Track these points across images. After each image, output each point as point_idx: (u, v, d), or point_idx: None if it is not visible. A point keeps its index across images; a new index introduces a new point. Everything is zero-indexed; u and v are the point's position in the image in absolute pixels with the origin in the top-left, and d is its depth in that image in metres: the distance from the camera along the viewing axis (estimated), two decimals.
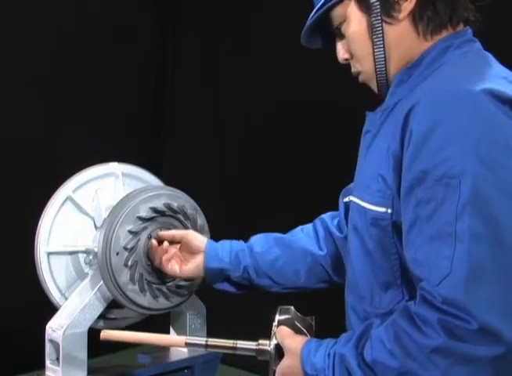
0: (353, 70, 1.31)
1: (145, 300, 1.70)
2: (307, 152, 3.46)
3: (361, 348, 1.06)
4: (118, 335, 1.46)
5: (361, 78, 1.31)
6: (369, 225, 1.17)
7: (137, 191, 1.75)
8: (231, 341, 1.30)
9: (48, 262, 1.74)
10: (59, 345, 1.63)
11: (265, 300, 1.56)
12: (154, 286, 1.71)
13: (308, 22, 1.32)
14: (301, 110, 3.47)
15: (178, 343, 1.46)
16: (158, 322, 1.86)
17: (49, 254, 1.74)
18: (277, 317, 1.27)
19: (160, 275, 1.71)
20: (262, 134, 3.71)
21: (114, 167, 1.85)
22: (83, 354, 1.67)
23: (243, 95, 3.84)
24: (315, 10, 1.30)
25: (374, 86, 1.29)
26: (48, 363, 1.66)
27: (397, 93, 1.22)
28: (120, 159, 1.88)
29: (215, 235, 1.87)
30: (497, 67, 1.16)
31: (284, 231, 1.70)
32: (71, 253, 1.77)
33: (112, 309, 1.79)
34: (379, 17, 1.20)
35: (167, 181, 1.96)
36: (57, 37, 3.68)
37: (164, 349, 1.89)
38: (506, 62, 1.22)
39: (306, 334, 1.25)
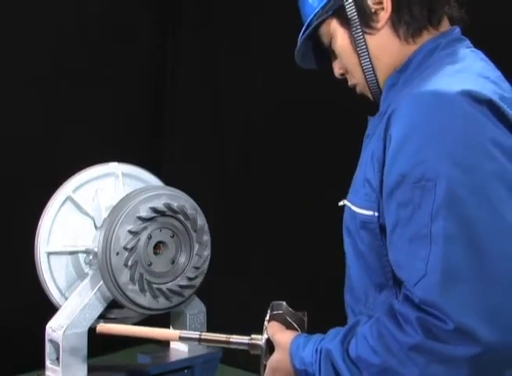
0: (349, 83, 1.34)
1: (145, 300, 1.70)
2: (307, 152, 3.46)
3: (347, 344, 1.08)
4: (113, 328, 1.49)
5: (358, 90, 1.34)
6: (360, 229, 1.19)
7: (137, 191, 1.75)
8: (224, 336, 1.32)
9: (48, 262, 1.74)
10: (59, 345, 1.63)
11: (265, 301, 1.56)
12: (154, 286, 1.71)
13: (298, 43, 1.35)
14: (301, 110, 3.47)
15: (172, 337, 1.47)
16: (158, 322, 1.86)
17: (49, 254, 1.74)
18: (269, 312, 1.29)
19: (160, 275, 1.71)
20: (262, 134, 3.71)
21: (114, 167, 1.85)
22: (83, 354, 1.67)
23: (243, 95, 3.84)
24: (302, 32, 1.33)
25: (370, 96, 1.32)
26: (48, 363, 1.67)
27: (388, 97, 1.24)
28: (120, 159, 1.88)
29: (215, 235, 1.87)
30: (481, 66, 1.16)
31: (283, 231, 1.71)
32: (71, 253, 1.77)
33: (112, 309, 1.79)
34: (359, 30, 1.23)
35: (167, 181, 1.96)
36: (57, 37, 3.68)
37: (164, 349, 1.90)
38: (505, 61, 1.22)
39: (297, 329, 1.27)
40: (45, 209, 1.75)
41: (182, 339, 1.40)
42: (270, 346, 1.24)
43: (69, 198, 1.78)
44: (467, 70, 1.12)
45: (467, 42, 1.24)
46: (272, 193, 3.58)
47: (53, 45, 3.67)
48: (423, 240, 1.00)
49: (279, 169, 3.59)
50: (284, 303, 1.30)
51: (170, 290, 1.73)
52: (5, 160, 3.43)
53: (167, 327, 1.90)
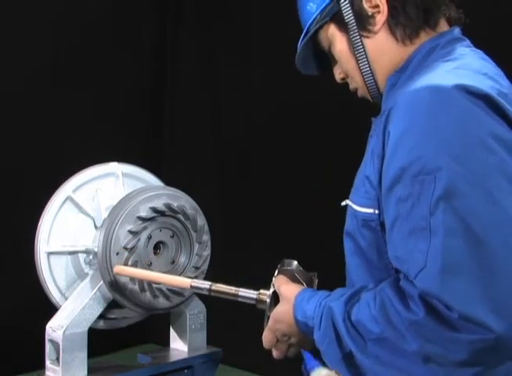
0: (351, 87, 1.35)
1: (145, 300, 1.70)
2: (306, 152, 3.46)
3: (350, 306, 1.10)
4: (130, 271, 1.58)
5: (359, 94, 1.35)
6: (361, 227, 1.20)
7: (137, 191, 1.75)
8: (233, 288, 1.35)
9: (48, 262, 1.74)
10: (59, 345, 1.63)
11: None
12: (154, 286, 1.71)
13: (298, 49, 1.35)
14: (301, 111, 3.47)
15: (183, 284, 1.49)
16: (158, 322, 1.86)
17: (49, 254, 1.74)
18: (278, 267, 1.30)
19: None
20: (262, 134, 3.71)
21: (114, 167, 1.85)
22: (83, 354, 1.67)
23: (243, 96, 3.84)
24: (301, 38, 1.34)
25: (370, 99, 1.33)
26: (48, 363, 1.67)
27: (389, 97, 1.24)
28: (120, 159, 1.88)
29: (215, 235, 1.88)
30: (479, 64, 1.17)
31: (283, 231, 1.71)
32: (71, 253, 1.77)
33: (112, 309, 1.79)
34: (357, 33, 1.25)
35: (167, 181, 1.96)
36: (57, 36, 3.67)
37: (164, 349, 1.90)
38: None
39: (304, 286, 1.27)
40: (45, 209, 1.75)
41: (193, 288, 1.42)
42: (276, 299, 1.25)
43: (69, 198, 1.78)
44: (465, 67, 1.13)
45: (467, 42, 1.25)
46: (272, 194, 3.58)
47: (53, 45, 3.67)
48: (422, 233, 1.01)
49: (278, 169, 3.59)
50: (295, 261, 1.31)
51: (170, 290, 1.73)
52: (6, 160, 3.43)
53: (167, 327, 1.91)
